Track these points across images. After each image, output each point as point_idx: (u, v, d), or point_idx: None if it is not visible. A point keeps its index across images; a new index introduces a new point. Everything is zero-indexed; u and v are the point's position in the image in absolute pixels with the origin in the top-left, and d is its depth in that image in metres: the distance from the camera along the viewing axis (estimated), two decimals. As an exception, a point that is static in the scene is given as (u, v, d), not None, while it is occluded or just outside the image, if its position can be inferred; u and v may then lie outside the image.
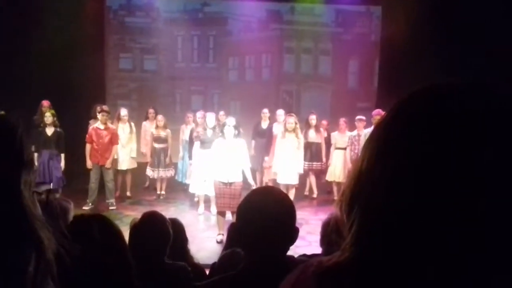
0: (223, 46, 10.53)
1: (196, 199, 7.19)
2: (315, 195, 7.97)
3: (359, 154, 0.60)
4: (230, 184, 5.47)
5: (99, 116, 6.89)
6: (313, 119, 7.64)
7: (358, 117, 7.29)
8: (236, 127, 5.55)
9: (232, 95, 10.45)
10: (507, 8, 6.60)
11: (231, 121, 5.60)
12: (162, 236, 2.29)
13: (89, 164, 6.84)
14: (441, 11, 7.91)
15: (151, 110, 8.10)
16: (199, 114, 7.17)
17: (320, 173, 8.01)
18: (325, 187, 8.27)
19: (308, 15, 10.35)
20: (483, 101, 0.52)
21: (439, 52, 7.63)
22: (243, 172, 5.59)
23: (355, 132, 7.24)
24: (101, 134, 6.83)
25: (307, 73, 10.68)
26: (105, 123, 6.88)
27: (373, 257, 0.54)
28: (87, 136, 6.88)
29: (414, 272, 0.51)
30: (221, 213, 5.70)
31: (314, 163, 7.54)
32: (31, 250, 0.83)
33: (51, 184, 6.66)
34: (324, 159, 7.74)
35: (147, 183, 8.30)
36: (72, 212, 2.39)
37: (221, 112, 7.82)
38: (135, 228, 2.34)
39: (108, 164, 6.84)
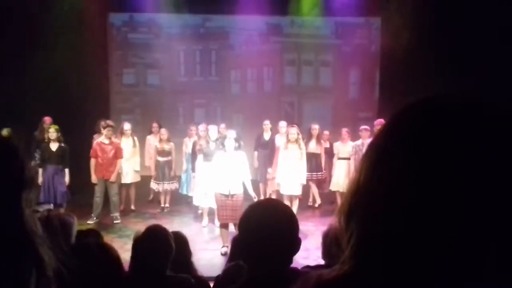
0: (225, 59, 10.62)
1: (200, 211, 7.20)
2: (317, 204, 8.03)
3: (358, 166, 0.60)
4: (232, 196, 5.49)
5: (104, 131, 6.93)
6: (315, 129, 7.70)
7: (362, 127, 7.29)
8: (236, 139, 5.60)
9: (234, 107, 10.50)
10: (506, 17, 6.65)
11: (231, 133, 5.67)
12: (164, 249, 2.29)
13: (94, 178, 6.86)
14: (439, 21, 7.97)
15: (154, 124, 8.15)
16: (202, 127, 7.20)
17: (321, 183, 8.05)
18: (328, 197, 8.26)
19: (308, 28, 10.43)
20: (479, 115, 0.53)
21: (439, 61, 7.68)
22: (243, 184, 5.62)
23: (359, 141, 7.23)
24: (106, 149, 6.86)
25: (308, 85, 10.73)
26: (109, 138, 6.92)
27: (372, 270, 0.54)
28: (91, 151, 6.91)
29: (413, 284, 0.51)
30: (224, 225, 5.71)
31: (314, 173, 7.54)
32: (32, 267, 0.84)
33: (56, 199, 6.69)
34: (324, 170, 7.80)
35: (151, 196, 8.32)
36: (76, 227, 2.41)
37: (222, 125, 7.85)
38: (138, 241, 2.36)
39: (113, 178, 6.87)
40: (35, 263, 0.85)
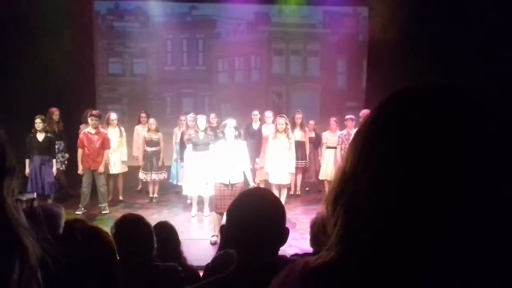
0: (212, 48, 10.54)
1: (189, 201, 7.21)
2: (298, 193, 8.19)
3: (344, 154, 0.61)
4: (232, 185, 5.49)
5: (89, 120, 6.86)
6: (298, 118, 7.81)
7: (348, 116, 7.37)
8: (236, 128, 5.58)
9: (222, 97, 10.47)
10: (493, 5, 6.68)
11: (231, 122, 5.61)
12: (144, 235, 2.27)
13: (80, 169, 6.81)
14: (427, 10, 8.00)
15: (143, 114, 8.10)
16: (190, 117, 7.19)
17: (305, 172, 8.17)
18: (314, 186, 8.37)
19: (296, 17, 10.40)
20: (463, 103, 0.54)
21: (426, 51, 7.73)
22: (244, 173, 5.62)
23: (345, 131, 7.31)
24: (92, 139, 6.79)
25: (296, 74, 10.73)
26: (96, 128, 6.83)
27: (357, 256, 0.54)
28: (78, 141, 6.84)
29: (398, 270, 0.52)
30: (220, 214, 5.65)
31: (298, 161, 7.55)
32: (15, 257, 0.83)
33: (44, 189, 6.64)
34: (308, 158, 7.93)
35: (139, 187, 8.30)
36: (63, 217, 2.40)
37: (212, 115, 7.85)
38: (115, 231, 2.30)
39: (101, 168, 6.82)
40: (19, 252, 0.84)
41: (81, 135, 6.89)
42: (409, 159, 0.52)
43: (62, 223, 2.32)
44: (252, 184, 5.67)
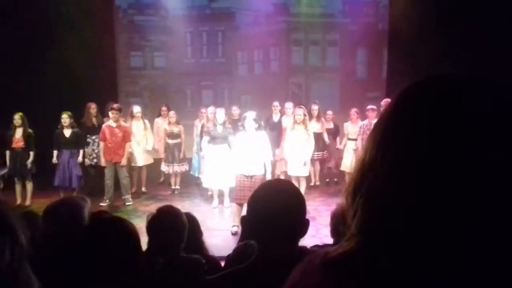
0: (231, 40, 10.56)
1: (209, 193, 7.28)
2: (317, 183, 8.15)
3: (364, 145, 0.61)
4: (251, 177, 5.52)
5: (110, 114, 6.94)
6: (315, 109, 7.69)
7: (369, 106, 7.26)
8: (256, 120, 5.60)
9: (242, 89, 10.49)
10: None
11: (251, 114, 5.63)
12: (178, 229, 2.32)
13: (103, 161, 6.92)
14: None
15: (163, 108, 8.15)
16: (211, 109, 7.19)
17: (323, 162, 8.12)
18: (336, 176, 8.34)
19: (315, 7, 10.30)
20: (484, 95, 0.53)
21: (447, 39, 7.55)
22: (264, 165, 5.64)
23: (366, 121, 7.21)
24: (114, 132, 6.87)
25: (315, 65, 10.66)
26: (117, 121, 6.90)
27: (376, 246, 0.55)
28: (100, 134, 6.95)
29: (418, 259, 0.52)
30: (240, 205, 5.69)
31: (315, 153, 7.40)
32: (5, 237, 0.86)
33: (71, 182, 6.84)
34: (325, 149, 7.89)
35: (162, 179, 8.41)
36: (88, 209, 2.44)
37: (234, 107, 7.84)
38: (152, 222, 2.40)
39: (123, 161, 6.90)
40: (8, 232, 0.86)
41: (102, 128, 6.98)
42: (429, 149, 0.52)
43: (87, 214, 2.38)
44: (268, 177, 5.66)
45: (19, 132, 6.81)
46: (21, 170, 6.82)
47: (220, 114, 6.68)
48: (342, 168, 7.79)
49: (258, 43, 10.51)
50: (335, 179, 8.35)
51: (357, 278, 0.55)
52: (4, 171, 6.96)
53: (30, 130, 6.87)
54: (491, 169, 0.50)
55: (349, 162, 7.56)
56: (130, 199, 7.15)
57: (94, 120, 7.53)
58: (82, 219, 2.31)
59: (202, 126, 7.27)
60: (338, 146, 8.03)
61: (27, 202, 6.88)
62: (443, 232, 0.51)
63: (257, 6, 10.24)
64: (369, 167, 0.58)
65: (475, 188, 0.50)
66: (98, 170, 7.31)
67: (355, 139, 7.48)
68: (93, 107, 7.55)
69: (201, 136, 7.28)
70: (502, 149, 0.50)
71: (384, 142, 0.57)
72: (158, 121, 8.20)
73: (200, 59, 10.68)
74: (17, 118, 6.77)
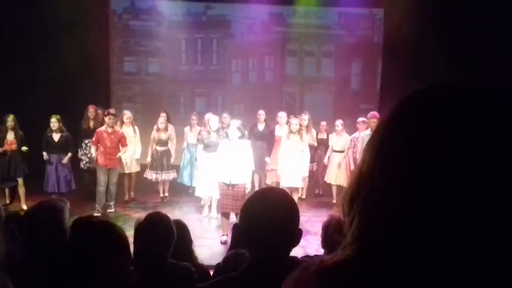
0: (226, 48, 10.57)
1: (202, 202, 7.07)
2: (303, 196, 7.84)
3: (361, 155, 0.62)
4: (233, 186, 5.48)
5: (106, 119, 6.87)
6: (304, 119, 7.38)
7: (360, 119, 7.28)
8: (240, 128, 5.57)
9: (235, 97, 10.49)
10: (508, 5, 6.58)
11: (235, 123, 5.63)
12: (167, 235, 2.30)
13: (96, 164, 6.85)
14: (443, 12, 7.91)
15: (163, 114, 7.65)
16: (208, 116, 6.94)
17: (312, 175, 7.86)
18: (322, 188, 8.17)
19: (311, 18, 10.38)
20: (485, 107, 0.53)
21: (442, 53, 7.63)
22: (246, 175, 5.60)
23: (357, 134, 7.22)
24: (109, 138, 6.80)
25: (310, 75, 10.70)
26: (112, 126, 6.84)
27: (373, 255, 0.55)
28: (93, 138, 6.86)
29: (414, 268, 0.52)
30: (225, 214, 5.69)
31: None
32: None
33: (59, 187, 6.75)
34: (315, 161, 7.67)
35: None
36: (67, 210, 2.38)
37: (225, 114, 7.78)
38: (140, 227, 2.38)
39: (120, 167, 6.85)
40: None
41: (96, 133, 6.89)
42: (427, 159, 0.52)
43: (67, 216, 2.32)
44: (248, 186, 5.63)
45: (11, 135, 6.68)
46: (15, 171, 6.69)
47: (214, 121, 6.62)
48: (326, 179, 7.70)
49: (253, 52, 10.54)
50: (319, 191, 8.19)
51: (353, 287, 0.55)
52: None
53: (21, 132, 6.77)
54: (490, 181, 0.49)
55: (334, 174, 7.50)
56: (113, 207, 7.06)
57: (91, 123, 7.47)
58: (61, 221, 2.26)
59: (199, 133, 7.14)
60: (325, 159, 7.76)
61: (23, 206, 6.64)
62: (441, 241, 0.51)
63: (253, 15, 10.29)
64: (366, 176, 0.58)
65: (474, 200, 0.50)
66: (92, 174, 7.22)
67: (341, 151, 7.42)
68: (91, 110, 7.50)
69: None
70: (502, 160, 0.50)
71: (382, 152, 0.57)
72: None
73: (194, 66, 10.67)
74: (10, 120, 6.66)
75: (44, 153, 6.73)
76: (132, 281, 1.69)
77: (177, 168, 7.82)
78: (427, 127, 0.53)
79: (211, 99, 10.64)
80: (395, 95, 0.61)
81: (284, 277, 0.67)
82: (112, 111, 7.06)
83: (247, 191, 5.56)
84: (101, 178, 6.79)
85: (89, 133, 7.25)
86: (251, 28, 10.44)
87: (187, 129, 7.88)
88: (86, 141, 7.30)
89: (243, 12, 10.33)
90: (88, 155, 7.25)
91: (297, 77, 10.71)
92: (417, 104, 0.57)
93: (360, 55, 10.40)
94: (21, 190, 6.82)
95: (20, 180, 6.76)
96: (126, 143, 6.99)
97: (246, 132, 5.80)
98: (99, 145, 6.81)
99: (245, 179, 5.58)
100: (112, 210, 6.99)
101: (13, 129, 6.69)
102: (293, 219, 1.36)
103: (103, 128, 6.91)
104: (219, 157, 5.63)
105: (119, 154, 6.90)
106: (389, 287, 0.53)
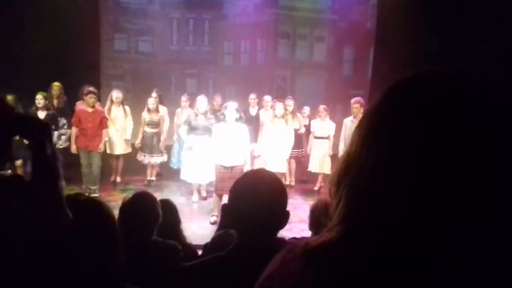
0: (218, 30, 10.45)
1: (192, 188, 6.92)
2: (292, 183, 7.64)
3: (349, 138, 0.63)
4: (232, 167, 5.48)
5: (86, 98, 6.42)
6: (289, 105, 6.98)
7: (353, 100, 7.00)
8: (238, 110, 5.53)
9: (227, 79, 10.40)
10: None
11: (232, 105, 5.55)
12: (150, 214, 2.33)
13: (73, 148, 6.43)
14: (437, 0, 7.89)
15: (154, 95, 7.37)
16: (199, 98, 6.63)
17: (299, 161, 7.67)
18: (303, 176, 7.99)
19: (304, 1, 10.28)
20: (473, 93, 0.55)
21: (435, 40, 7.63)
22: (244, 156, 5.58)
23: (351, 117, 6.87)
24: (90, 118, 6.37)
25: (302, 59, 10.66)
26: (93, 106, 6.39)
27: (358, 235, 0.56)
28: (73, 119, 6.47)
29: (398, 248, 0.53)
30: (219, 196, 5.64)
31: (292, 150, 6.87)
32: None
33: None
34: (303, 147, 7.50)
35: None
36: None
37: (217, 98, 7.64)
38: (125, 205, 2.40)
39: (101, 147, 6.46)
40: None
41: (76, 113, 6.47)
42: (413, 143, 0.53)
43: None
44: (247, 167, 5.60)
45: (41, 115, 6.28)
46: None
47: (202, 102, 6.24)
48: (310, 168, 7.40)
49: (246, 34, 10.43)
50: (304, 178, 7.93)
51: (338, 267, 0.56)
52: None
53: (53, 111, 6.54)
54: (476, 166, 0.51)
55: (316, 162, 7.24)
56: (97, 191, 6.57)
57: (54, 101, 7.00)
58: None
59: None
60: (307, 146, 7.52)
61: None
62: (425, 221, 0.52)
63: (246, -4, 10.15)
64: (354, 159, 0.59)
65: (455, 182, 0.51)
66: (66, 157, 6.97)
67: (324, 138, 7.18)
68: (55, 88, 6.98)
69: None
70: (488, 145, 0.51)
71: (370, 136, 0.58)
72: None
73: (185, 46, 10.54)
74: (40, 98, 6.36)
75: None
76: (121, 259, 1.70)
77: (168, 149, 7.62)
78: (413, 112, 0.55)
79: (202, 80, 10.55)
80: (386, 82, 0.62)
81: (270, 257, 0.68)
82: (92, 89, 6.60)
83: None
84: (83, 160, 6.42)
85: (60, 112, 6.82)
86: (243, 9, 10.30)
87: (178, 110, 7.68)
88: (58, 120, 6.80)
89: (236, -7, 10.18)
90: (63, 136, 6.88)
91: (289, 61, 10.65)
92: (404, 91, 0.58)
93: (353, 41, 10.35)
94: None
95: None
96: (107, 124, 6.59)
97: (243, 115, 5.76)
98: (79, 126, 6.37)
99: (242, 160, 5.56)
100: (97, 195, 6.41)
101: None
102: (280, 201, 1.37)
103: (82, 107, 6.51)
104: (215, 139, 5.57)
105: (103, 139, 6.49)
106: (374, 267, 0.54)
